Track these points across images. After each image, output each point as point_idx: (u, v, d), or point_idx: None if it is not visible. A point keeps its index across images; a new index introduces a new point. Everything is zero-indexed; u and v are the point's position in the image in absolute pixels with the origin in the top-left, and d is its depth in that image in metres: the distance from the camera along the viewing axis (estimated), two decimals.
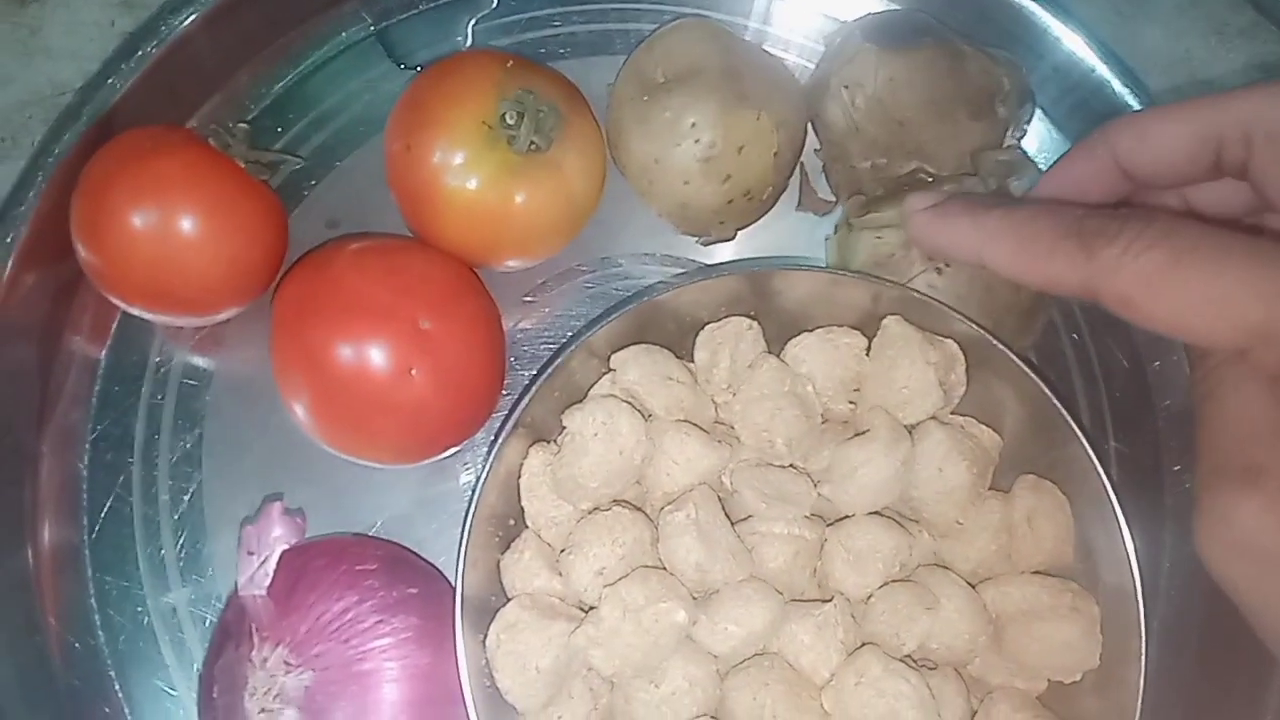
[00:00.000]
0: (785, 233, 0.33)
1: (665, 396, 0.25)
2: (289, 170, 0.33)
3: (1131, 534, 0.25)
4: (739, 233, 0.32)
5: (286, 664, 0.23)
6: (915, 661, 0.26)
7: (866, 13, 0.33)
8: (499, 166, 0.28)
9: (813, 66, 0.33)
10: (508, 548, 0.26)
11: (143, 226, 0.28)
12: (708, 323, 0.28)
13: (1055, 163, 0.28)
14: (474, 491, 0.25)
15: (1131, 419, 0.33)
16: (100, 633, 0.30)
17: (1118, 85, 0.33)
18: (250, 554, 0.25)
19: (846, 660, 0.25)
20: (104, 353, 0.32)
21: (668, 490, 0.26)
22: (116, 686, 0.29)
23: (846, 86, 0.31)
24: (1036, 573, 0.27)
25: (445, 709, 0.24)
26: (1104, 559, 0.26)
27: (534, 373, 0.32)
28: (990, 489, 0.28)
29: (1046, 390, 0.26)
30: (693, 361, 0.28)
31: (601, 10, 0.35)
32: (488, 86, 0.29)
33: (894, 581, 0.26)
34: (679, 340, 0.28)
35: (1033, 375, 0.27)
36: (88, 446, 0.31)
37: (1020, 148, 0.32)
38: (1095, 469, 0.26)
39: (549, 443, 0.27)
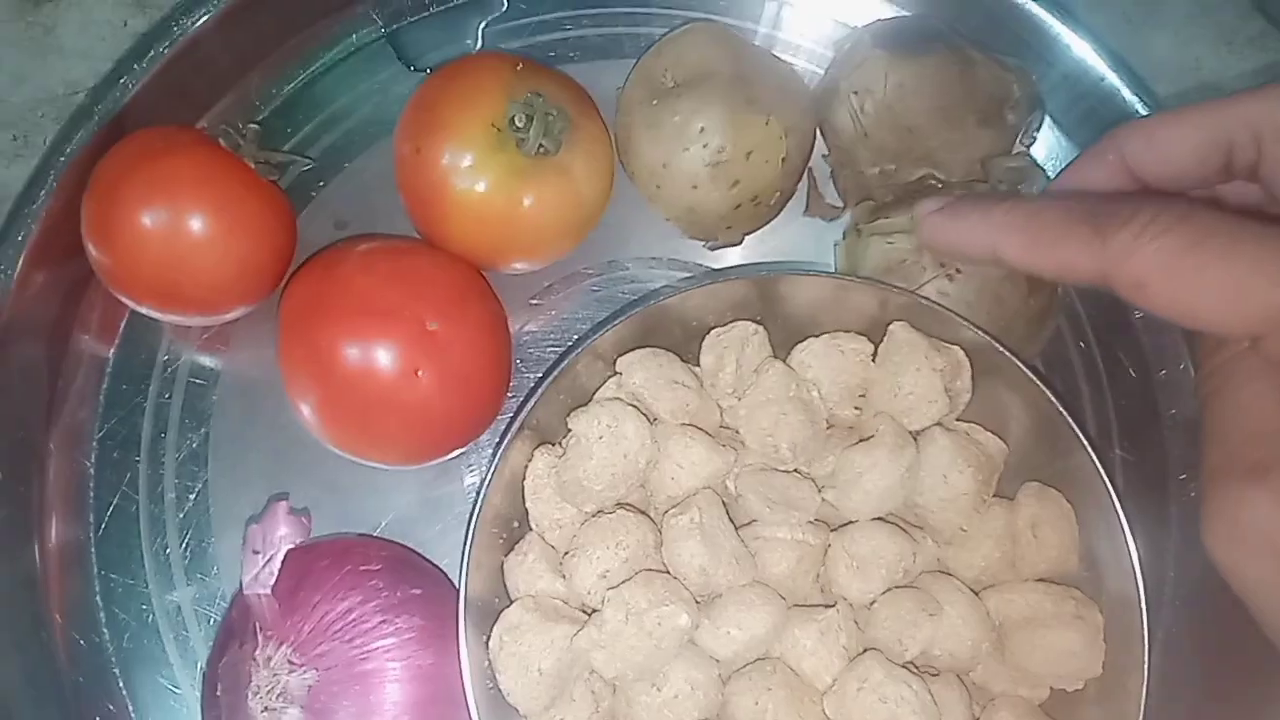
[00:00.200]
0: (792, 238, 0.33)
1: (670, 400, 0.25)
2: (298, 171, 0.33)
3: (1136, 542, 0.25)
4: (746, 237, 0.33)
5: (290, 663, 0.23)
6: (918, 668, 0.26)
7: (876, 19, 0.33)
8: (507, 169, 0.28)
9: (822, 72, 0.33)
10: (511, 549, 0.26)
11: (153, 226, 0.28)
12: (714, 327, 0.28)
13: (1065, 168, 0.28)
14: (479, 493, 0.25)
15: (1138, 427, 0.33)
16: (105, 630, 0.30)
17: (1127, 93, 0.33)
18: (255, 553, 0.25)
19: (849, 666, 0.25)
20: (112, 351, 0.33)
21: (672, 494, 0.26)
22: (120, 684, 0.29)
23: (856, 92, 0.31)
24: (1040, 580, 0.27)
25: (448, 709, 0.24)
26: (1108, 567, 0.26)
27: (540, 375, 0.32)
28: (995, 496, 0.28)
29: (1052, 398, 0.26)
30: (698, 366, 0.28)
31: (611, 14, 0.35)
32: (497, 89, 0.29)
33: (897, 588, 0.26)
34: (685, 344, 0.28)
35: (1039, 383, 0.27)
36: (95, 444, 0.32)
37: (1029, 155, 0.32)
38: (1100, 477, 0.26)
39: (554, 445, 0.27)
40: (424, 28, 0.35)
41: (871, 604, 0.26)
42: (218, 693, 0.24)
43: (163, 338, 0.32)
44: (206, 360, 0.32)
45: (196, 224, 0.28)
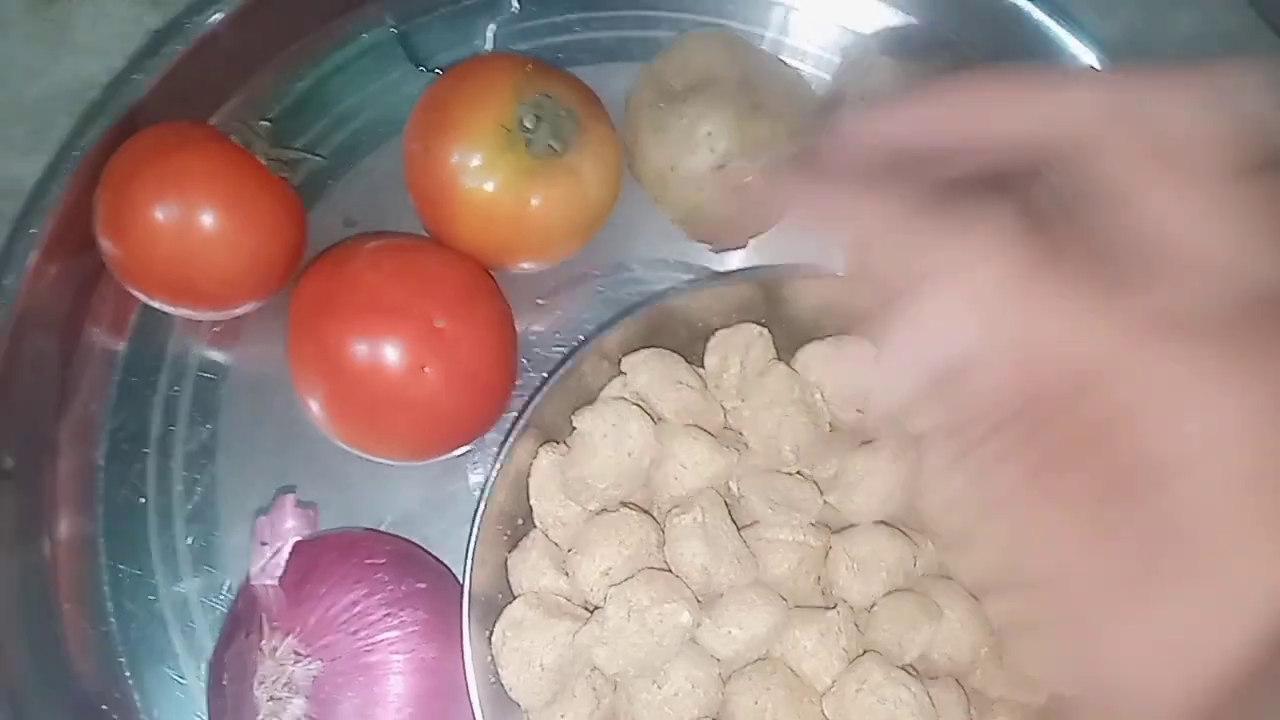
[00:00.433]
0: (797, 241, 0.33)
1: (675, 400, 0.26)
2: (309, 168, 0.33)
3: None
4: (751, 240, 0.33)
5: (296, 654, 0.23)
6: (916, 671, 0.26)
7: (883, 26, 0.33)
8: (516, 169, 0.29)
9: (828, 78, 0.34)
10: (515, 546, 0.26)
11: (165, 220, 0.28)
12: (719, 329, 0.28)
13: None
14: (484, 490, 0.25)
15: None
16: (113, 619, 0.30)
17: None
18: (263, 544, 0.25)
19: (848, 667, 0.25)
20: (123, 345, 0.33)
21: (675, 493, 0.26)
22: (127, 673, 0.30)
23: (862, 98, 0.31)
24: None
25: (450, 702, 0.24)
26: None
27: (545, 374, 0.32)
28: None
29: None
30: (703, 367, 0.28)
31: (620, 18, 0.35)
32: (507, 90, 0.29)
33: (898, 590, 0.26)
34: (690, 345, 0.28)
35: None
36: (105, 437, 0.32)
37: None
38: None
39: (559, 444, 0.27)
40: (434, 28, 0.36)
41: (872, 607, 0.26)
42: (224, 682, 0.24)
43: (173, 332, 0.33)
44: (216, 355, 0.33)
45: (208, 219, 0.29)
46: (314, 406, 0.29)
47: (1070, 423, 0.18)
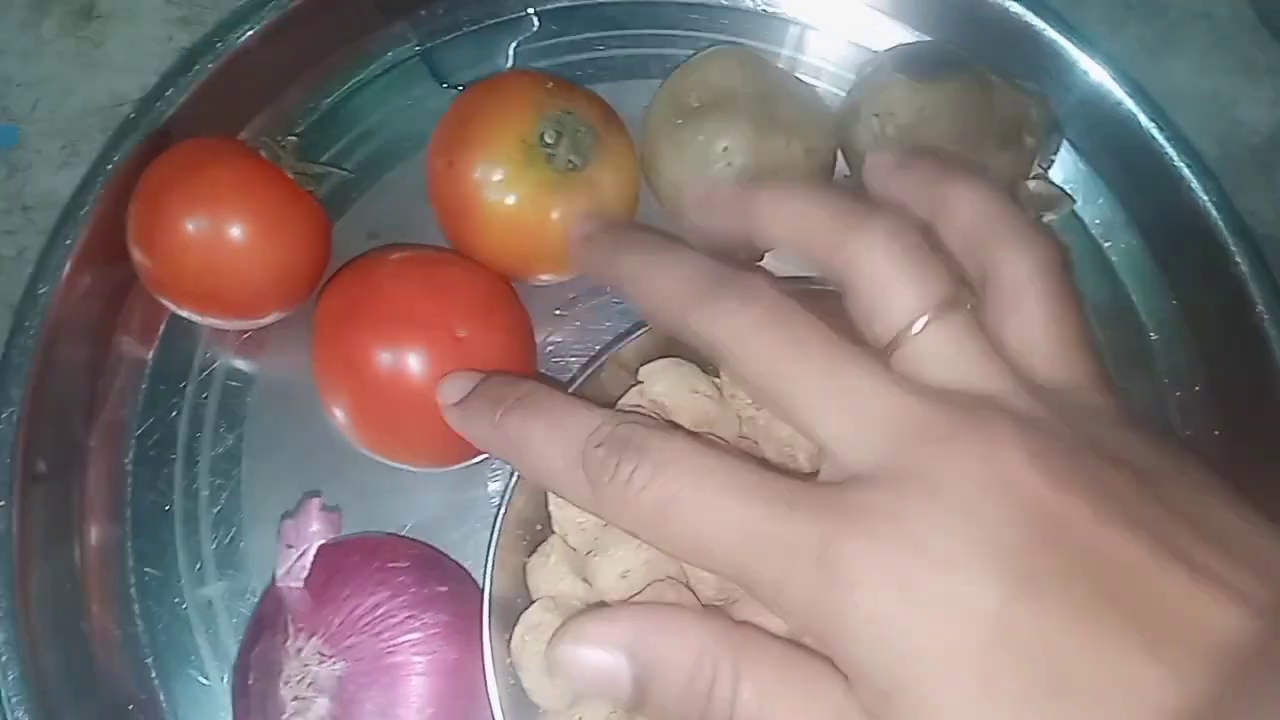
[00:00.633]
0: None
1: (691, 409, 0.26)
2: (334, 182, 0.34)
3: None
4: (767, 255, 0.33)
5: (320, 654, 0.24)
6: None
7: (898, 44, 0.34)
8: (537, 184, 0.29)
9: (844, 95, 0.34)
10: (534, 551, 0.26)
11: (195, 232, 0.29)
12: None
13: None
14: (504, 495, 0.26)
15: None
16: (140, 621, 0.31)
17: (1144, 119, 0.33)
18: (289, 547, 0.26)
19: None
20: (151, 353, 0.34)
21: None
22: (153, 674, 0.30)
23: (877, 115, 0.32)
24: None
25: (470, 704, 0.24)
26: None
27: (564, 383, 0.32)
28: None
29: None
30: (719, 377, 0.29)
31: (639, 36, 0.36)
32: (528, 106, 0.30)
33: None
34: (707, 358, 0.29)
35: None
36: (133, 443, 0.33)
37: (1048, 178, 0.33)
38: None
39: None
40: (457, 46, 0.37)
41: None
42: (249, 682, 0.25)
43: (200, 341, 0.34)
44: (242, 364, 0.33)
45: (237, 231, 0.29)
46: (338, 414, 0.29)
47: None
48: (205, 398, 0.33)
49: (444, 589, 0.26)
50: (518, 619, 0.25)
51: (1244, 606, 0.16)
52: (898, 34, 0.36)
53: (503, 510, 0.25)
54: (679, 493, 0.19)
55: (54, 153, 0.37)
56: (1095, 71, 0.33)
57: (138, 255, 0.30)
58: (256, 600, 0.30)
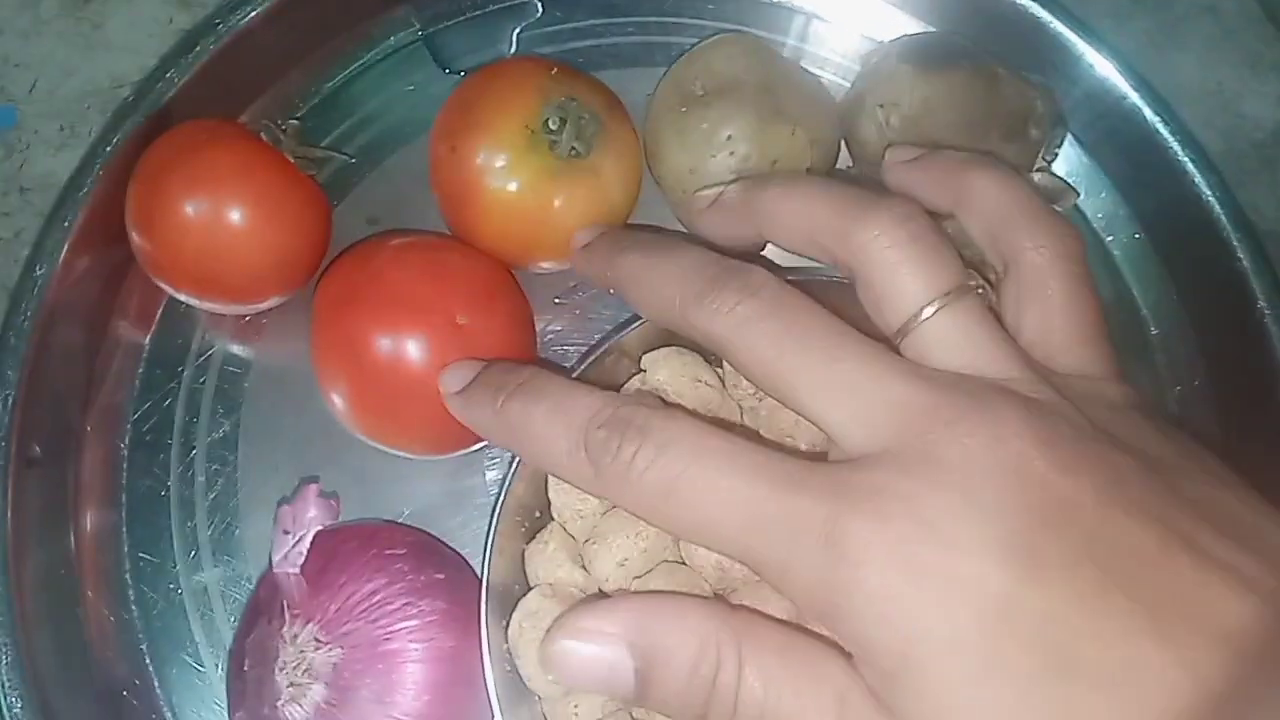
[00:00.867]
0: None
1: (693, 398, 0.26)
2: (335, 167, 0.34)
3: None
4: (770, 245, 0.33)
5: (316, 641, 0.24)
6: None
7: (903, 34, 0.34)
8: (540, 170, 0.29)
9: (848, 85, 0.34)
10: (533, 538, 0.26)
11: (194, 215, 0.29)
12: None
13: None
14: (503, 482, 0.25)
15: None
16: (134, 607, 0.31)
17: (1149, 112, 0.33)
18: (285, 533, 0.26)
19: None
20: (148, 338, 0.33)
21: None
22: (148, 660, 0.30)
23: (882, 105, 0.32)
24: None
25: (467, 690, 0.24)
26: None
27: (565, 371, 0.32)
28: None
29: None
30: (721, 366, 0.28)
31: (644, 23, 0.36)
32: (532, 92, 0.30)
33: None
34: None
35: None
36: (129, 427, 0.32)
37: (1052, 171, 0.33)
38: None
39: None
40: (460, 32, 0.36)
41: None
42: (244, 668, 0.25)
43: (198, 326, 0.33)
44: (240, 349, 0.33)
45: (236, 214, 0.29)
46: (336, 400, 0.29)
47: None
48: (202, 382, 0.33)
49: (441, 576, 0.26)
50: (515, 606, 0.25)
51: (1254, 594, 0.16)
52: (903, 24, 0.36)
53: (502, 497, 0.25)
54: (683, 473, 0.19)
55: (52, 134, 0.37)
56: (1101, 65, 0.33)
57: (136, 238, 0.30)
58: (252, 586, 0.30)
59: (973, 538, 0.17)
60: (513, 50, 0.36)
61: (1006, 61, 0.32)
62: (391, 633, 0.24)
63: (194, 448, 0.32)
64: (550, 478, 0.27)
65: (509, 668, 0.24)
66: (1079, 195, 0.32)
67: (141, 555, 0.31)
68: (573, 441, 0.20)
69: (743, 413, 0.28)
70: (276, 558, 0.25)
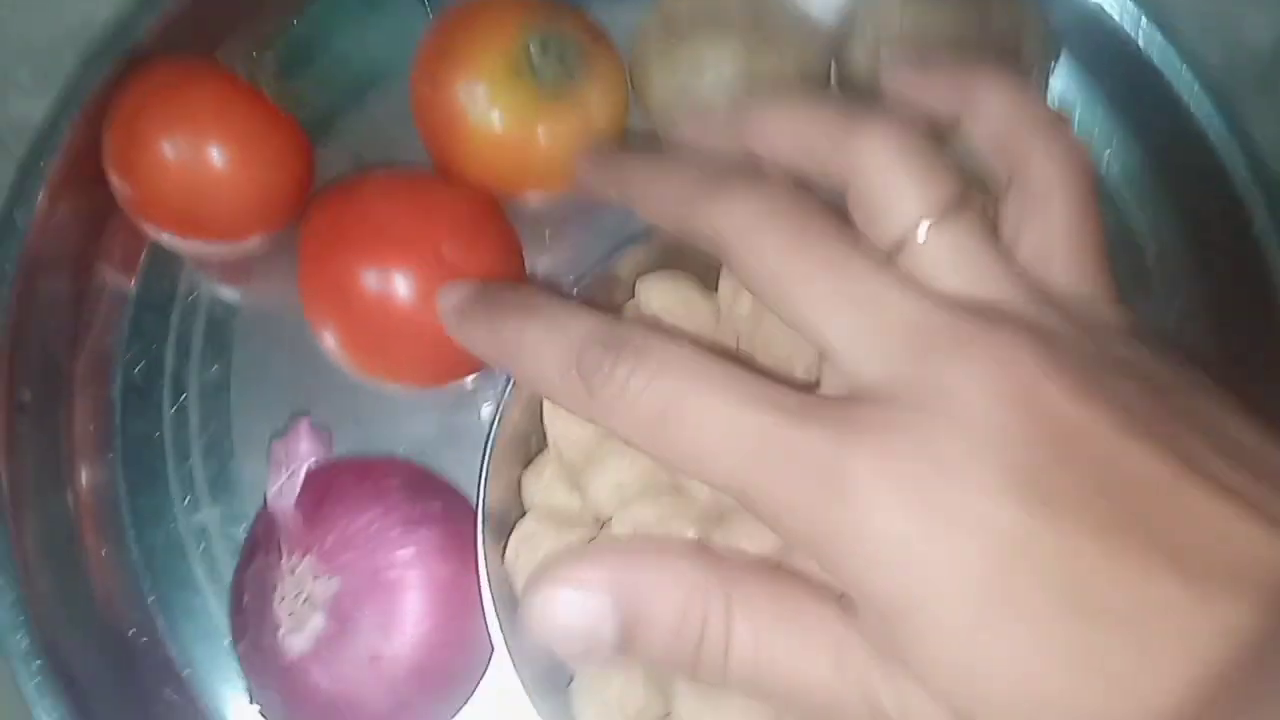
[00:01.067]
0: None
1: (687, 321, 0.26)
2: (316, 105, 0.33)
3: None
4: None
5: (314, 572, 0.24)
6: None
7: None
8: (523, 101, 0.29)
9: (836, 13, 0.33)
10: (529, 464, 0.26)
11: (173, 155, 0.29)
12: None
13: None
14: (497, 410, 0.25)
15: None
16: (134, 548, 0.31)
17: (1146, 32, 0.32)
18: (279, 467, 0.26)
19: None
20: (134, 281, 0.33)
21: None
22: (150, 599, 0.30)
23: (872, 28, 0.31)
24: None
25: (466, 618, 0.24)
26: None
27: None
28: None
29: None
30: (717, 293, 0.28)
31: None
32: (513, 22, 0.29)
33: None
34: (705, 273, 0.28)
35: None
36: (119, 372, 0.32)
37: (1045, 93, 0.32)
38: None
39: None
40: None
41: None
42: (244, 600, 0.25)
43: (184, 268, 0.33)
44: (228, 291, 0.33)
45: (216, 153, 0.29)
46: (326, 337, 0.29)
47: None
48: (191, 325, 0.33)
49: (437, 505, 0.26)
50: (511, 531, 0.25)
51: (1275, 528, 0.16)
52: None
53: (496, 423, 0.25)
54: (680, 398, 0.18)
55: (25, 79, 0.36)
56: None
57: (115, 180, 0.30)
58: (250, 525, 0.30)
59: (984, 473, 0.16)
60: None
61: None
62: (390, 562, 0.24)
63: (186, 390, 0.32)
64: (546, 404, 0.27)
65: (507, 592, 0.25)
66: (1073, 118, 0.31)
67: (139, 498, 0.31)
68: (567, 360, 0.19)
69: (739, 339, 0.28)
70: (271, 492, 0.25)
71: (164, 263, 0.33)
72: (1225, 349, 0.33)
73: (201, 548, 0.31)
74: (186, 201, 0.29)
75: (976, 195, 0.23)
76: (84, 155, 0.30)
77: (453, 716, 0.24)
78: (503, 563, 0.25)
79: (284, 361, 0.32)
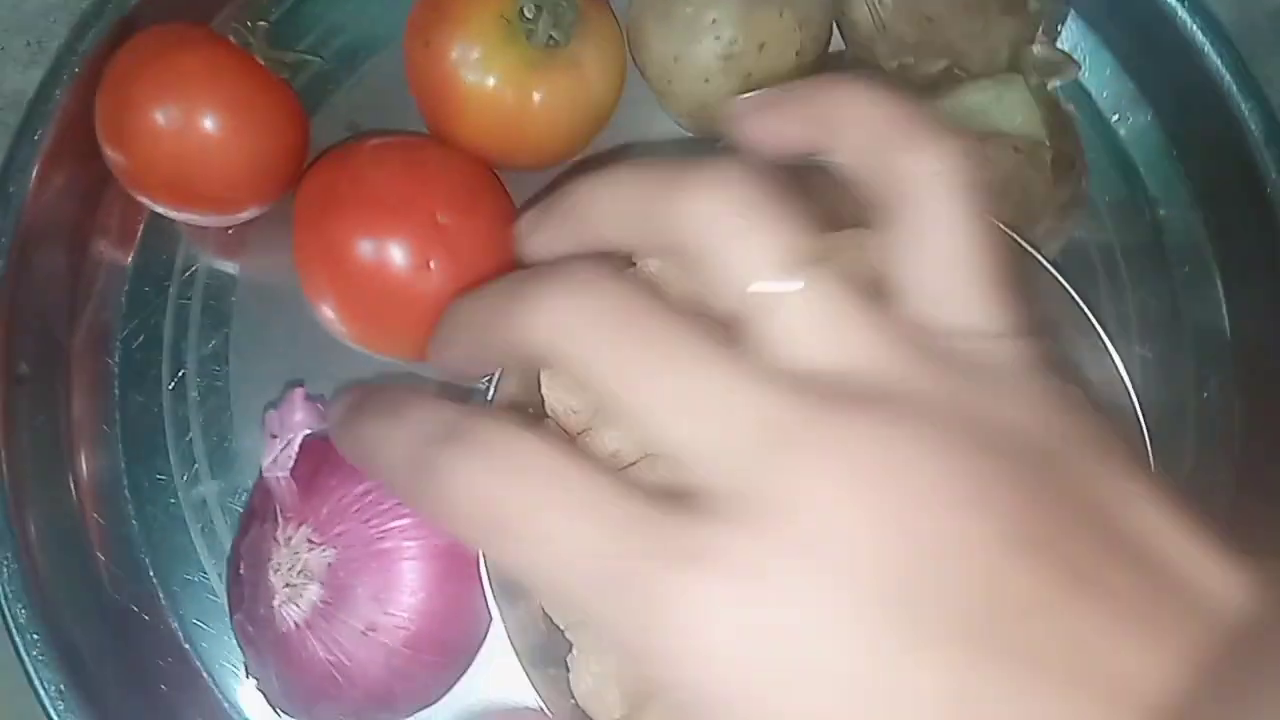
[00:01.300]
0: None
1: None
2: (310, 74, 0.33)
3: (1153, 439, 0.25)
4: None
5: (310, 542, 0.24)
6: None
7: None
8: (517, 62, 0.28)
9: None
10: None
11: (165, 123, 0.28)
12: None
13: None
14: (493, 381, 0.25)
15: (1157, 325, 0.32)
16: (134, 522, 0.31)
17: None
18: (274, 437, 0.25)
19: None
20: (131, 254, 0.33)
21: None
22: (151, 572, 0.30)
23: None
24: None
25: (462, 586, 0.24)
26: None
27: None
28: None
29: (1072, 292, 0.26)
30: None
31: None
32: None
33: None
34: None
35: (1058, 277, 0.26)
36: (118, 345, 0.32)
37: (1053, 43, 0.31)
38: (1120, 374, 0.25)
39: None
40: None
41: None
42: (240, 570, 0.25)
43: (181, 241, 0.33)
44: (225, 263, 0.33)
45: (208, 120, 0.28)
46: (323, 308, 0.28)
47: None
48: (189, 298, 0.32)
49: None
50: None
51: (1163, 652, 0.14)
52: None
53: (492, 392, 0.25)
54: (509, 504, 0.15)
55: (18, 50, 0.35)
56: None
57: (109, 150, 0.29)
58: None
59: (826, 605, 0.14)
60: None
61: None
62: (385, 532, 0.24)
63: (184, 363, 0.32)
64: (543, 373, 0.26)
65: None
66: (1081, 68, 0.31)
67: (138, 471, 0.31)
68: (411, 453, 0.17)
69: None
70: (266, 462, 0.25)
71: (161, 236, 0.33)
72: (1235, 303, 0.32)
73: (201, 521, 0.31)
74: (179, 170, 0.29)
75: (843, 238, 0.19)
76: (78, 126, 0.30)
77: (449, 687, 0.24)
78: None
79: (283, 334, 0.32)
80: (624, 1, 0.31)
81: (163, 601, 0.30)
